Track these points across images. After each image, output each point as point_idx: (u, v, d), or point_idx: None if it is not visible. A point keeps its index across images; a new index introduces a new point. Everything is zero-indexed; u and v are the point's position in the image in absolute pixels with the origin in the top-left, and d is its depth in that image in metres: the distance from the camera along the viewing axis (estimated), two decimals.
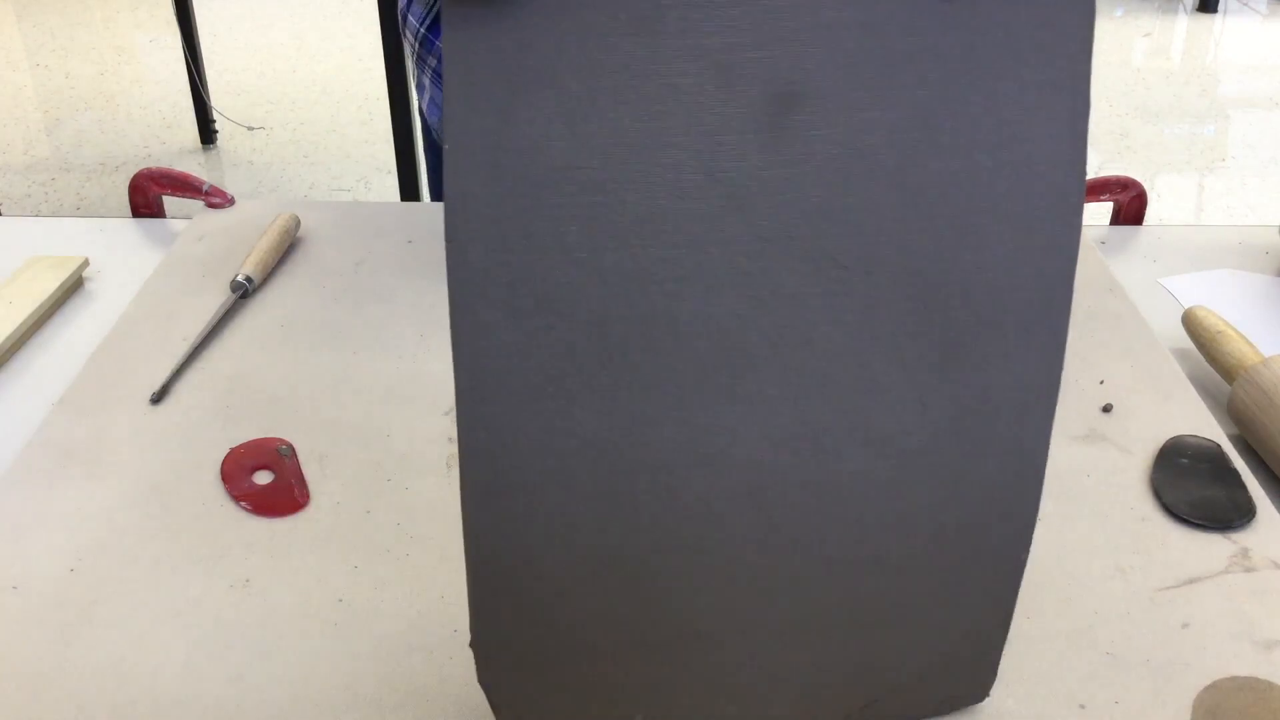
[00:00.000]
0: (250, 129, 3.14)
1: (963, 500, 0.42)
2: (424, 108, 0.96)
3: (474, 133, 0.37)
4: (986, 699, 0.47)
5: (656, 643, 0.42)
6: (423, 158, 2.47)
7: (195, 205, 0.88)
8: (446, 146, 0.38)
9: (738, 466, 0.41)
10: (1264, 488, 0.59)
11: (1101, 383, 0.67)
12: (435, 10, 0.89)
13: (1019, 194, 0.39)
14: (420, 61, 0.92)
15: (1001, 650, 0.46)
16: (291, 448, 0.61)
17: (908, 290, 0.40)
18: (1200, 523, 0.56)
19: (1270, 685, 0.47)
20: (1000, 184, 0.39)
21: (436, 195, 1.02)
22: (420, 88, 0.94)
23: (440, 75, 0.89)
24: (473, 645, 0.43)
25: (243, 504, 0.57)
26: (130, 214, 0.90)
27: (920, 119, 0.38)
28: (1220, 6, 4.25)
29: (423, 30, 0.90)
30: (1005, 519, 0.42)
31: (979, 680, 0.47)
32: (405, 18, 0.93)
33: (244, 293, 0.75)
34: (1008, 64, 0.38)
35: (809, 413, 0.41)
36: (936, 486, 0.42)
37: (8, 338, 0.71)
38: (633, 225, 0.38)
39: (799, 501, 0.41)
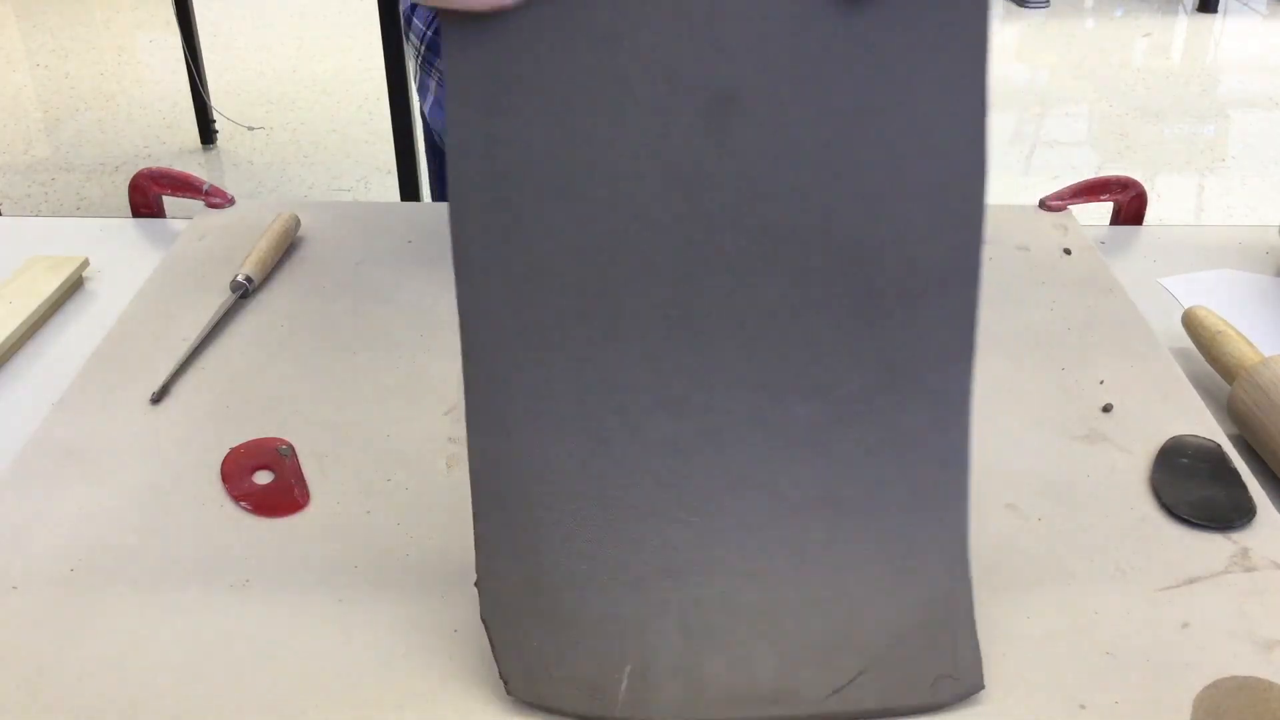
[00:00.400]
0: (250, 129, 3.14)
1: (896, 445, 0.48)
2: (426, 110, 0.96)
3: (471, 131, 0.44)
4: (983, 690, 0.47)
5: (637, 577, 0.47)
6: (423, 158, 2.48)
7: (195, 205, 0.88)
8: (449, 141, 0.44)
9: (696, 408, 0.47)
10: (1264, 488, 0.59)
11: (1101, 383, 0.68)
12: None
13: (927, 176, 0.46)
14: (425, 64, 0.92)
15: (974, 625, 0.48)
16: (291, 448, 0.61)
17: (834, 258, 0.46)
18: (1200, 523, 0.56)
19: (1270, 685, 0.47)
20: (910, 167, 0.45)
21: (438, 196, 1.02)
22: (424, 89, 0.94)
23: None
24: (478, 585, 0.48)
25: (243, 504, 0.57)
26: (130, 214, 0.90)
27: (838, 113, 0.45)
28: (1220, 6, 4.25)
29: (429, 33, 0.90)
30: (938, 468, 0.48)
31: (965, 660, 0.47)
32: (409, 20, 0.93)
33: (244, 293, 0.75)
34: (914, 65, 0.45)
35: (755, 361, 0.47)
36: (871, 431, 0.48)
37: (8, 338, 0.71)
38: (599, 206, 0.46)
39: (751, 441, 0.48)
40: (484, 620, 0.48)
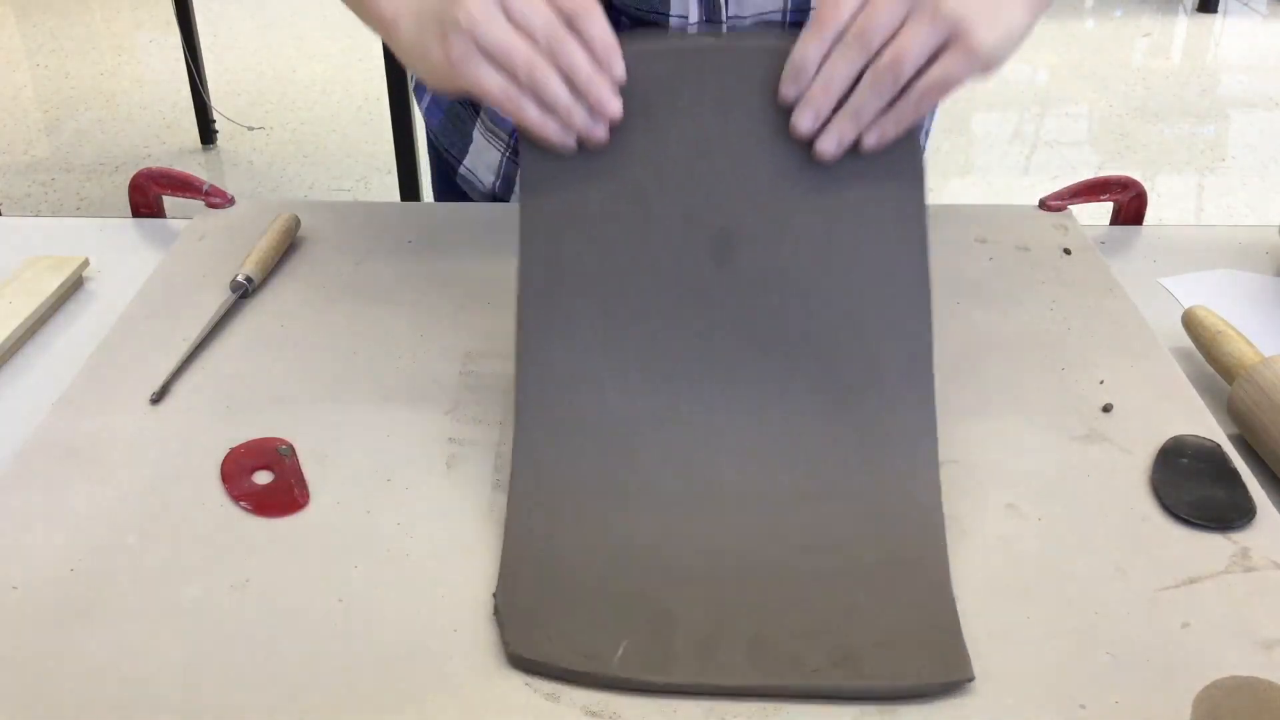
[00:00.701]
0: (250, 129, 3.14)
1: (877, 512, 0.56)
2: (423, 110, 0.95)
3: (537, 253, 0.60)
4: (973, 679, 0.48)
5: (641, 584, 0.52)
6: (424, 159, 2.47)
7: (195, 205, 0.88)
8: (520, 261, 0.59)
9: (706, 479, 0.58)
10: (1264, 488, 0.59)
11: (1101, 383, 0.67)
12: None
13: (882, 297, 0.59)
14: None
15: (958, 626, 0.50)
16: (291, 448, 0.61)
17: (811, 360, 0.59)
18: (1200, 523, 0.56)
19: (1271, 685, 0.47)
20: (868, 289, 0.59)
21: (439, 195, 1.01)
22: (420, 89, 0.93)
23: None
24: (495, 594, 0.52)
25: (242, 504, 0.57)
26: (130, 214, 0.90)
27: (810, 250, 0.59)
28: (1220, 6, 4.25)
29: None
30: (917, 530, 0.55)
31: (951, 652, 0.49)
32: None
33: (244, 293, 0.75)
34: (865, 216, 0.59)
35: (754, 439, 0.58)
36: (852, 501, 0.56)
37: (8, 338, 0.71)
38: (632, 314, 0.59)
39: (751, 505, 0.56)
40: (496, 607, 0.51)
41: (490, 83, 0.57)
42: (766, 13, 0.75)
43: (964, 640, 0.49)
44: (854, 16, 0.56)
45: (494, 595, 0.52)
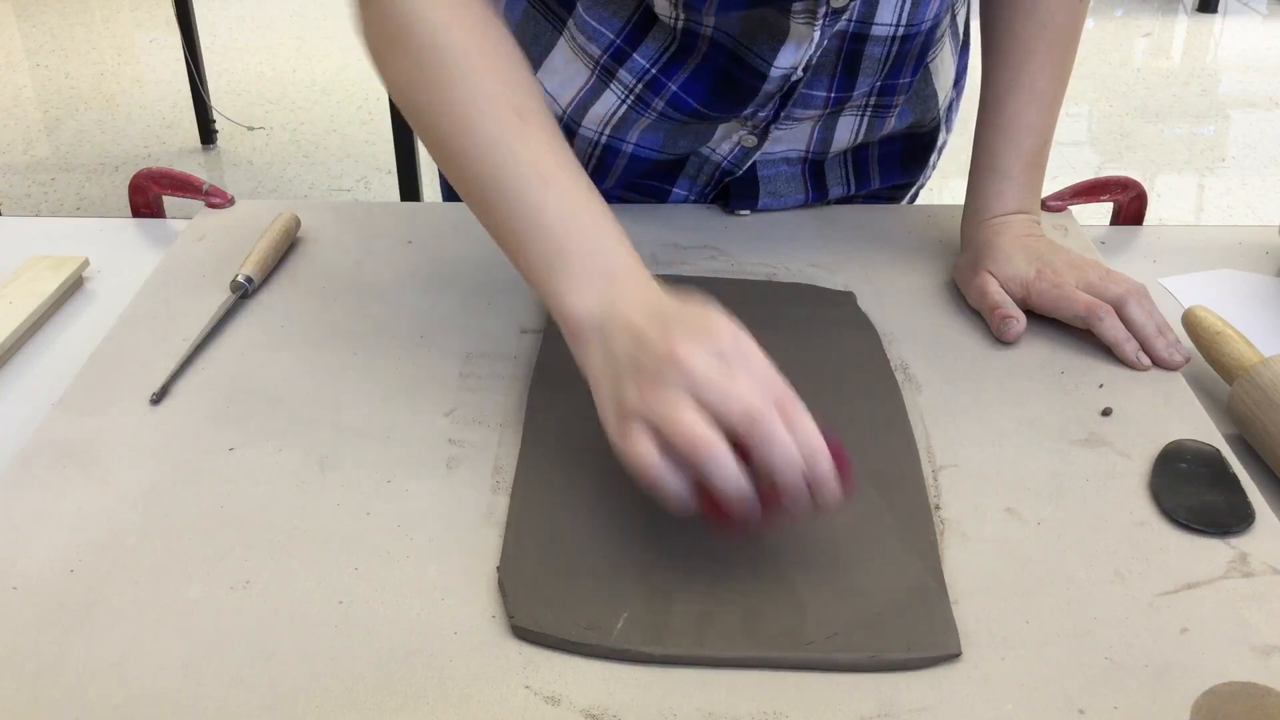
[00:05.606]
0: (250, 129, 3.14)
1: (866, 492, 0.57)
2: None
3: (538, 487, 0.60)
4: (960, 655, 0.49)
5: (639, 561, 0.54)
6: (424, 159, 2.46)
7: (195, 205, 0.88)
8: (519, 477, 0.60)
9: None
10: (1263, 492, 0.59)
11: (1101, 386, 0.67)
12: None
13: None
14: None
15: (947, 603, 0.51)
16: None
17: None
18: (1199, 528, 0.56)
19: (1269, 690, 0.47)
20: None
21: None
22: None
23: None
24: (499, 567, 0.54)
25: None
26: (130, 214, 0.90)
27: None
28: (1220, 6, 4.25)
29: None
30: (906, 509, 0.57)
31: (938, 627, 0.50)
32: None
33: (244, 293, 0.75)
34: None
35: None
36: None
37: (8, 338, 0.71)
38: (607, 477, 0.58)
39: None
40: (500, 579, 0.53)
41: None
42: (789, 150, 0.85)
43: (953, 617, 0.51)
44: None
45: (498, 569, 0.53)
